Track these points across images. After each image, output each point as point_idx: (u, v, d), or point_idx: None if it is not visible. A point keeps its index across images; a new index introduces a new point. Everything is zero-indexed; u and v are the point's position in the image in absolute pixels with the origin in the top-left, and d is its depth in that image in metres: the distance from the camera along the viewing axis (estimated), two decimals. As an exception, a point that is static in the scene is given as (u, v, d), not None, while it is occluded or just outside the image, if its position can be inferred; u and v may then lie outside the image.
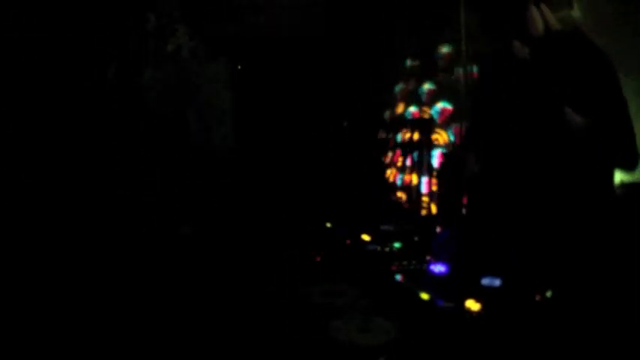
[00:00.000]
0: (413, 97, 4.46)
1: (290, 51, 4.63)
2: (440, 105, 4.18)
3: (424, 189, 4.00)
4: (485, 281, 2.82)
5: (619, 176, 3.17)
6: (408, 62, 4.54)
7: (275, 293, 3.15)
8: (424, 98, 4.29)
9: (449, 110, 4.11)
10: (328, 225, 4.02)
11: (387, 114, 4.75)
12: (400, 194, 4.21)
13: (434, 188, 3.83)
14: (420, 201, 3.96)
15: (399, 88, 4.77)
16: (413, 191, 4.06)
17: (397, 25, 4.67)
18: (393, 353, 2.59)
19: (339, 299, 3.03)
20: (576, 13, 3.20)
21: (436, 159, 3.90)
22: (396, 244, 3.69)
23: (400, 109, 4.71)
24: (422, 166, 3.93)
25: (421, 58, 4.45)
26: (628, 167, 2.58)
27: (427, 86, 4.27)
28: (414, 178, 4.09)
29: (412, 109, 4.33)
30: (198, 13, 3.97)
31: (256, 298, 3.09)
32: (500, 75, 2.90)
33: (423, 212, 3.92)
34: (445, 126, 4.09)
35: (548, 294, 2.48)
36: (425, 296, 2.95)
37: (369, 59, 4.95)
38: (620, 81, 2.50)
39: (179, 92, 3.92)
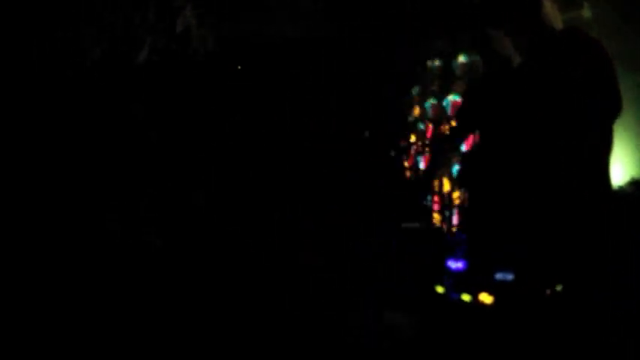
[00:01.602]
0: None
1: (308, 53, 4.60)
2: (451, 98, 4.30)
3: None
4: (498, 276, 2.90)
5: (629, 173, 3.23)
6: (429, 64, 4.65)
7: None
8: (449, 110, 4.37)
9: (459, 103, 4.20)
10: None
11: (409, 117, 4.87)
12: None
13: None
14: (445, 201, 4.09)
15: (415, 91, 4.89)
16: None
17: (417, 28, 4.77)
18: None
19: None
20: (587, 12, 3.26)
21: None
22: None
23: (416, 112, 4.83)
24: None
25: (443, 60, 4.55)
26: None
27: (452, 98, 4.35)
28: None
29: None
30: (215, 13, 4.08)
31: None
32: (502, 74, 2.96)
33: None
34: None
35: (559, 288, 2.54)
36: (440, 290, 3.05)
37: (388, 62, 5.04)
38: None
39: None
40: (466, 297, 2.87)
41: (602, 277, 2.51)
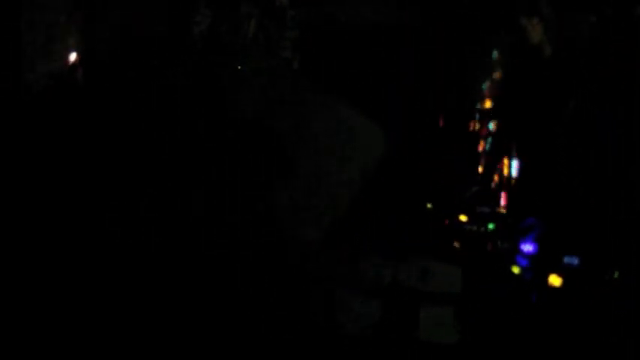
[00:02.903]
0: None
1: (380, 40, 4.62)
2: None
3: (515, 173, 4.44)
4: (566, 260, 3.25)
5: None
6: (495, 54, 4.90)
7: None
8: None
9: None
10: (429, 206, 4.51)
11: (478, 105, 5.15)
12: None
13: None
14: (511, 185, 4.40)
15: (485, 85, 5.15)
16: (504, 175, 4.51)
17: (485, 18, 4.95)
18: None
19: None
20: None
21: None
22: (490, 225, 4.18)
23: (488, 104, 5.10)
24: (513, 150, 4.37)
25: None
26: None
27: None
28: (506, 162, 4.53)
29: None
30: None
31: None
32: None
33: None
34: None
35: (616, 275, 2.87)
36: (516, 270, 3.43)
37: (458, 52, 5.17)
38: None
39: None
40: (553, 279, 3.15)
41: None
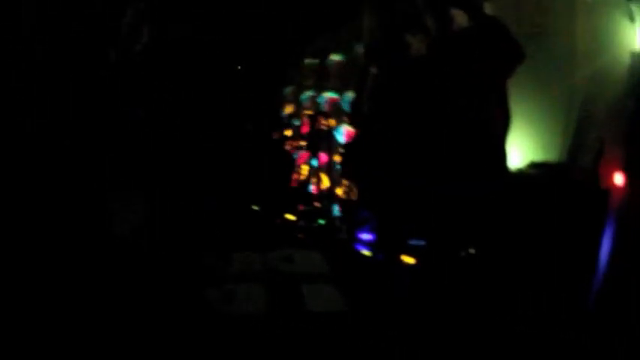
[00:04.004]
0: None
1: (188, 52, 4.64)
2: (326, 95, 4.89)
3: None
4: (412, 242, 3.45)
5: (528, 156, 3.93)
6: (306, 62, 5.14)
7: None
8: (324, 107, 4.94)
9: (334, 99, 4.84)
10: (255, 208, 4.73)
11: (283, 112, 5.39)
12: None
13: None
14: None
15: (289, 90, 5.36)
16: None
17: (291, 27, 5.12)
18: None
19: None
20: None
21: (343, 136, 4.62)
22: (320, 221, 4.57)
23: (289, 109, 5.32)
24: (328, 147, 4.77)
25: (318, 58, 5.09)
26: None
27: (327, 95, 4.93)
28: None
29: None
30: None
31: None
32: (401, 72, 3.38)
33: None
34: (333, 114, 4.84)
35: (472, 250, 3.36)
36: (367, 253, 3.80)
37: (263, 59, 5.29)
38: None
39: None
40: (406, 258, 3.41)
41: (507, 243, 3.32)
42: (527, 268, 3.46)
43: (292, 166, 5.03)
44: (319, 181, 4.81)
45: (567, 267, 3.47)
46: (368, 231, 3.93)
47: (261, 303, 3.11)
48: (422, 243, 3.51)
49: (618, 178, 3.84)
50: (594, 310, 3.42)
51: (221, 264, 3.50)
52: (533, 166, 3.93)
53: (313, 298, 3.13)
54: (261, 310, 3.04)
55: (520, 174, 3.92)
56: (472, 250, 3.33)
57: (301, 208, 4.61)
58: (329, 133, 4.79)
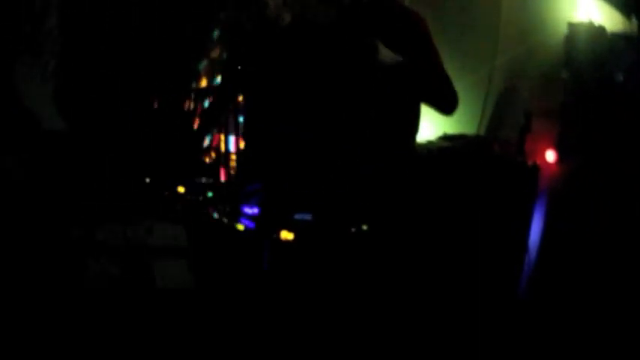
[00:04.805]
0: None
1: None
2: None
3: (232, 147, 4.55)
4: (297, 216, 3.34)
5: (442, 129, 3.74)
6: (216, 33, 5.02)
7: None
8: None
9: None
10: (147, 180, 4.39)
11: (193, 85, 5.21)
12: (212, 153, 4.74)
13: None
14: (228, 158, 4.51)
15: (202, 65, 5.27)
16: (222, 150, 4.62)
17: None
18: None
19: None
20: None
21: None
22: (209, 194, 4.22)
23: (204, 82, 5.21)
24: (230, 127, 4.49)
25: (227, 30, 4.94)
26: (446, 109, 2.81)
27: None
28: (222, 138, 4.63)
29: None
30: None
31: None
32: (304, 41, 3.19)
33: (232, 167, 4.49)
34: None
35: (364, 227, 3.03)
36: (240, 227, 3.47)
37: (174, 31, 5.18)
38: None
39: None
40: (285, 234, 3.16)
41: (405, 218, 3.08)
42: (436, 246, 3.27)
43: (198, 139, 4.67)
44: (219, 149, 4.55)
45: (488, 247, 3.34)
46: (254, 204, 3.59)
47: (111, 278, 3.04)
48: (308, 217, 3.17)
49: (550, 155, 3.76)
50: (525, 297, 3.36)
51: (84, 236, 3.23)
52: (446, 138, 3.70)
53: (162, 274, 2.80)
54: (109, 285, 3.00)
55: (428, 146, 3.68)
56: (365, 227, 2.97)
57: (192, 180, 4.25)
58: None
